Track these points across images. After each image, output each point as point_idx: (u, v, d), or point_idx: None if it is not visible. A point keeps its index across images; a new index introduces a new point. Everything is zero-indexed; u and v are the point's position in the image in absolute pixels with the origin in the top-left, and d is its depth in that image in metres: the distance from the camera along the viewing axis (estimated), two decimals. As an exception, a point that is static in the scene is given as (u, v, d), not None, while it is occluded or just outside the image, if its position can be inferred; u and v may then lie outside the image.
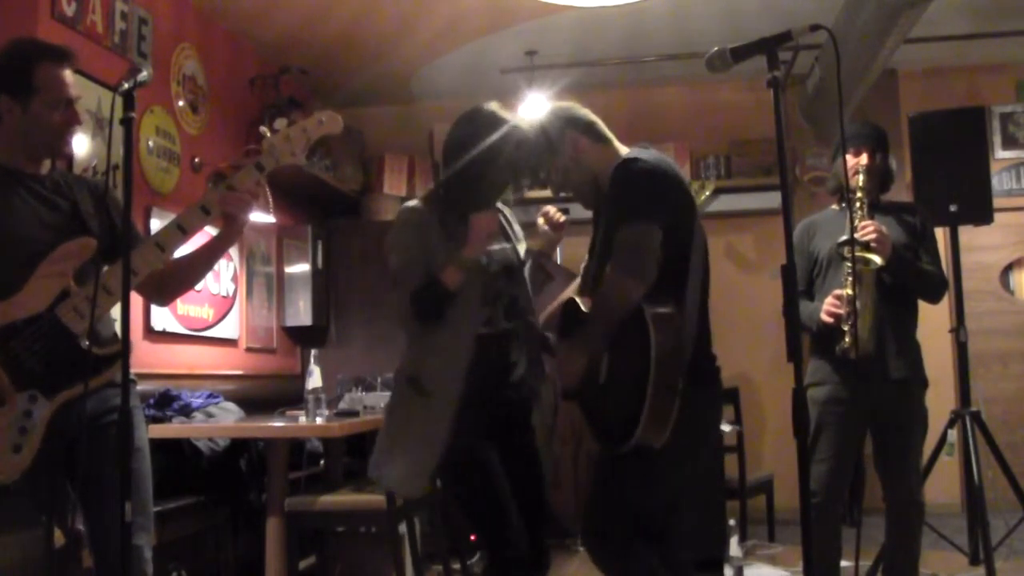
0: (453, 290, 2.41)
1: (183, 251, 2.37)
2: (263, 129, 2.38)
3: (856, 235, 3.00)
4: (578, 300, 2.46)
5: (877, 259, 2.99)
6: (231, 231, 2.35)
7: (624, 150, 2.43)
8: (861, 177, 3.13)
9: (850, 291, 3.01)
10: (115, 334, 2.33)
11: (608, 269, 2.25)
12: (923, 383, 3.17)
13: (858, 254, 2.99)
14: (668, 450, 2.21)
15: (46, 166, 2.31)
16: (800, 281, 3.22)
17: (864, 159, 3.17)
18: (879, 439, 3.16)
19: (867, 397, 3.07)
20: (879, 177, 3.23)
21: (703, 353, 2.35)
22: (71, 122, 2.25)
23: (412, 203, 2.60)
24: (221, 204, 2.27)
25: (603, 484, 2.37)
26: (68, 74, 2.25)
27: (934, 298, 3.21)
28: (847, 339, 3.02)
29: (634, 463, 2.25)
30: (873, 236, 3.00)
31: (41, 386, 2.11)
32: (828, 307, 3.07)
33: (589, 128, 2.44)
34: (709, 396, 2.40)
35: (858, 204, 3.09)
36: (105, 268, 2.15)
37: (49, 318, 2.12)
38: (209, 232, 2.46)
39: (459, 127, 2.54)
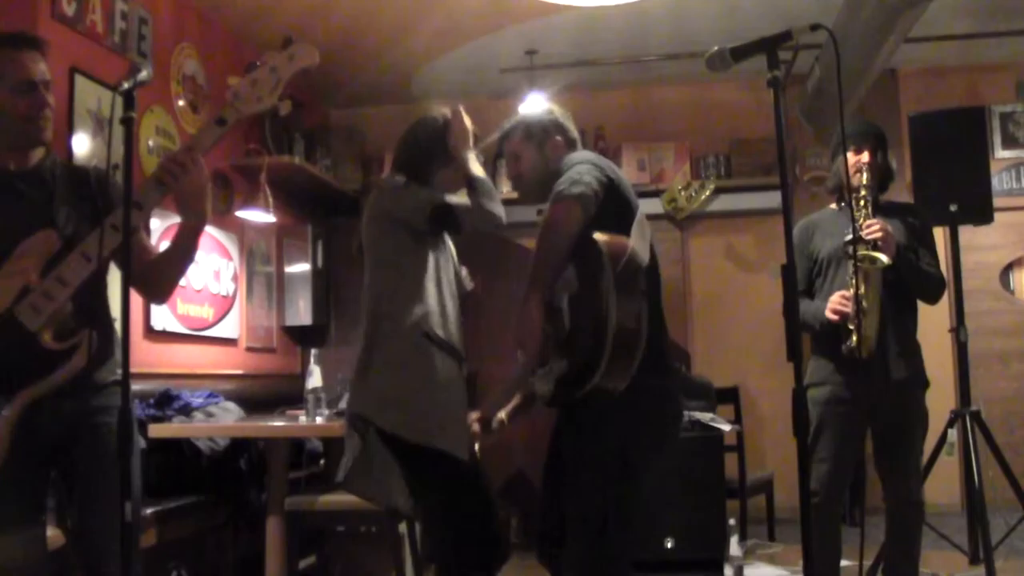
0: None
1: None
2: (231, 80, 2.26)
3: (862, 233, 2.99)
4: None
5: (884, 258, 2.97)
6: (186, 215, 2.27)
7: None
8: (865, 175, 3.13)
9: (856, 290, 3.00)
10: (74, 329, 2.20)
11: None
12: (924, 383, 3.17)
13: (864, 253, 2.98)
14: (628, 445, 2.26)
15: (35, 157, 2.27)
16: (800, 281, 3.22)
17: (866, 157, 3.17)
18: (879, 439, 3.16)
19: (868, 397, 3.07)
20: (879, 176, 3.23)
21: (657, 350, 2.36)
22: (38, 105, 2.20)
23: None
24: (163, 172, 2.15)
25: (560, 487, 2.40)
26: (32, 58, 2.21)
27: (933, 299, 3.21)
28: (854, 338, 3.00)
29: (595, 456, 2.29)
30: (879, 235, 2.99)
31: (1, 388, 2.08)
32: (834, 304, 3.05)
33: (572, 141, 2.59)
34: (665, 387, 2.40)
35: (862, 202, 3.08)
36: (71, 258, 2.10)
37: (6, 317, 2.09)
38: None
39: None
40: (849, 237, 3.05)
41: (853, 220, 2.98)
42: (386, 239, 2.65)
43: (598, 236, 2.18)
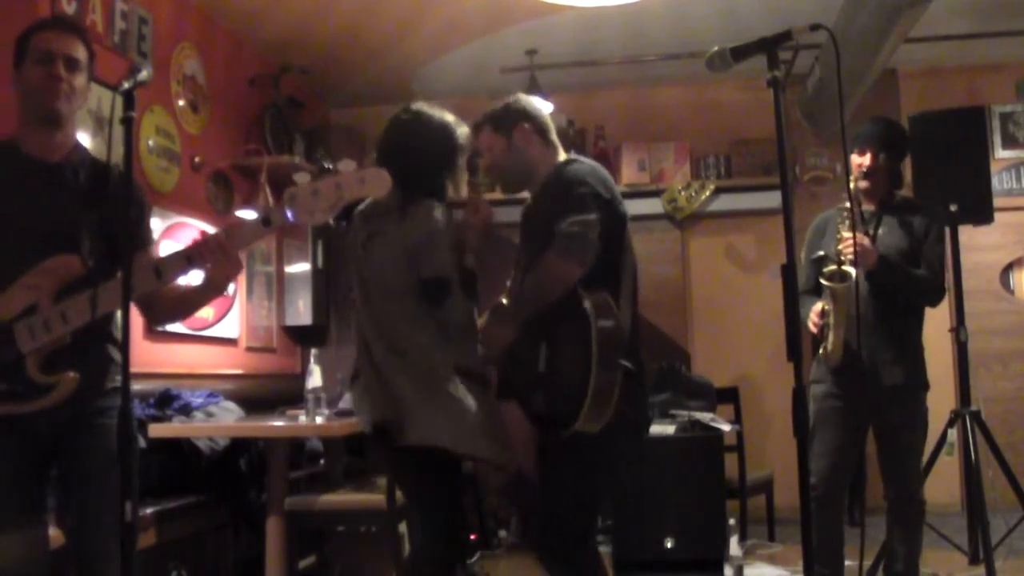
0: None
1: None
2: (297, 176, 2.21)
3: (839, 248, 3.07)
4: (504, 300, 2.61)
5: (853, 272, 3.00)
6: (204, 291, 2.25)
7: (563, 156, 2.59)
8: (856, 180, 3.18)
9: (827, 305, 3.10)
10: (62, 365, 2.13)
11: (547, 252, 2.33)
12: (923, 386, 3.18)
13: (832, 269, 3.06)
14: (606, 446, 2.31)
15: (61, 149, 2.24)
16: (809, 279, 3.28)
17: (868, 160, 3.18)
18: (880, 439, 3.19)
19: (863, 400, 3.10)
20: (886, 177, 3.23)
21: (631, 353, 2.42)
22: (53, 77, 2.17)
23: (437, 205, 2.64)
24: (196, 253, 2.12)
25: (546, 488, 2.46)
26: (60, 36, 2.21)
27: (929, 303, 3.24)
28: (823, 348, 3.15)
29: (572, 463, 2.34)
30: (850, 251, 3.01)
31: None
32: (811, 317, 3.15)
33: (542, 127, 2.59)
34: (636, 394, 2.45)
35: (846, 212, 3.08)
36: (80, 300, 2.07)
37: (4, 329, 2.08)
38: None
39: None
40: (818, 253, 3.17)
41: (851, 229, 3.02)
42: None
43: (585, 298, 2.25)
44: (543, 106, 2.67)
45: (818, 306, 3.13)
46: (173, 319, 2.49)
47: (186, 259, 2.12)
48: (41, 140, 2.23)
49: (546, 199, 2.46)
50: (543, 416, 2.41)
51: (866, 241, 3.07)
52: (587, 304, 2.24)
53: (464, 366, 2.56)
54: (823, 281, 3.08)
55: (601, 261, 2.33)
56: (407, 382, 2.55)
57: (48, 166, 2.23)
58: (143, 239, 2.35)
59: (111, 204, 2.19)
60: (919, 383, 3.17)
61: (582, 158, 2.53)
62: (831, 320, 3.07)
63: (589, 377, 2.19)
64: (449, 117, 2.71)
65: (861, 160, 3.19)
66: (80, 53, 2.23)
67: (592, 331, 2.20)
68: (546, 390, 2.38)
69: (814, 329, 3.13)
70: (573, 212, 2.31)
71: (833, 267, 3.06)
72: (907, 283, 3.13)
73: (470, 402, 2.52)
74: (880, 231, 3.18)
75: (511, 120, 2.57)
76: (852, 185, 3.14)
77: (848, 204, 3.08)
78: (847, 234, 3.04)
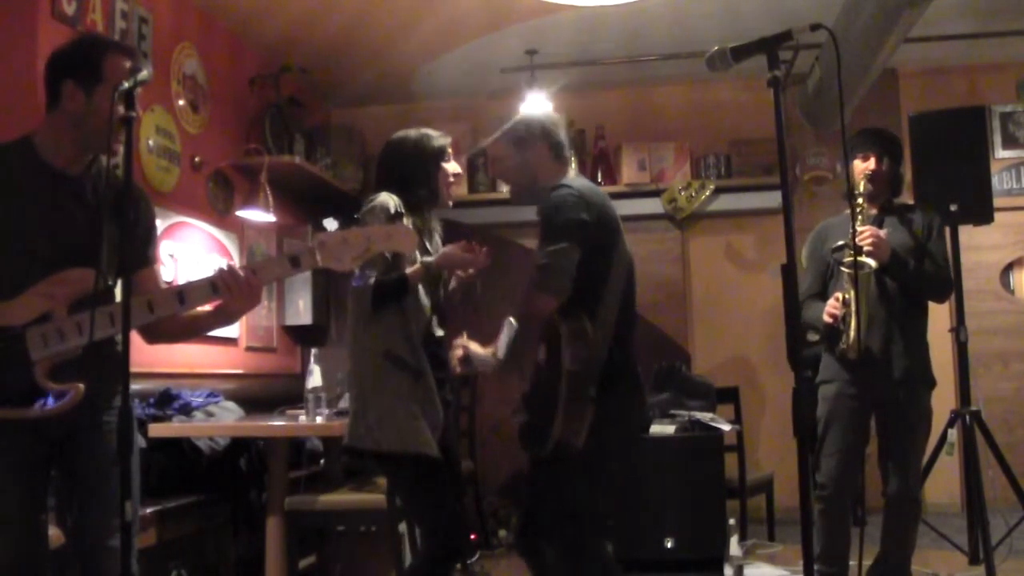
0: (412, 286, 2.66)
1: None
2: (327, 223, 2.28)
3: (856, 240, 3.12)
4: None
5: (872, 262, 3.10)
6: (219, 318, 2.25)
7: (572, 175, 2.64)
8: (863, 183, 3.24)
9: (847, 294, 3.14)
10: (71, 375, 2.12)
11: (528, 286, 2.41)
12: (929, 383, 3.24)
13: (851, 258, 3.12)
14: (593, 449, 2.35)
15: (84, 159, 2.21)
16: (813, 284, 3.39)
17: (871, 164, 3.26)
18: (883, 435, 3.26)
19: (872, 394, 3.17)
20: (888, 182, 3.31)
21: (622, 358, 2.47)
22: (127, 118, 2.07)
23: (388, 197, 2.74)
24: (222, 283, 2.12)
25: (536, 494, 2.52)
26: (130, 67, 2.14)
27: (937, 298, 3.32)
28: (844, 340, 3.15)
29: (560, 465, 2.38)
30: (869, 241, 3.10)
31: None
32: (828, 308, 3.19)
33: (557, 147, 2.65)
34: (627, 398, 2.51)
35: (859, 209, 3.19)
36: (98, 312, 2.03)
37: (16, 334, 2.07)
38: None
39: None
40: (838, 243, 3.23)
41: (853, 227, 3.08)
42: None
43: (561, 325, 2.33)
44: (556, 119, 2.72)
45: (838, 296, 3.17)
46: (174, 341, 2.47)
47: (211, 288, 2.13)
48: (69, 153, 2.18)
49: (540, 225, 2.53)
50: (526, 433, 2.47)
51: (882, 233, 3.14)
52: (563, 333, 2.31)
53: (385, 349, 2.67)
54: (844, 269, 3.15)
55: (582, 284, 2.37)
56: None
57: (69, 177, 2.19)
58: (150, 256, 2.33)
59: (126, 217, 2.17)
60: (926, 379, 3.25)
61: (572, 182, 2.51)
62: (853, 308, 3.12)
63: (557, 405, 2.29)
64: (424, 130, 2.90)
65: (865, 165, 3.28)
66: None
67: (562, 363, 2.29)
68: (529, 409, 2.46)
69: (830, 320, 3.16)
70: (548, 242, 2.38)
71: (852, 257, 3.13)
72: (916, 278, 3.20)
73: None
74: (884, 231, 3.23)
75: (531, 137, 2.62)
76: (860, 188, 3.23)
77: (860, 200, 3.19)
78: (862, 228, 3.13)
